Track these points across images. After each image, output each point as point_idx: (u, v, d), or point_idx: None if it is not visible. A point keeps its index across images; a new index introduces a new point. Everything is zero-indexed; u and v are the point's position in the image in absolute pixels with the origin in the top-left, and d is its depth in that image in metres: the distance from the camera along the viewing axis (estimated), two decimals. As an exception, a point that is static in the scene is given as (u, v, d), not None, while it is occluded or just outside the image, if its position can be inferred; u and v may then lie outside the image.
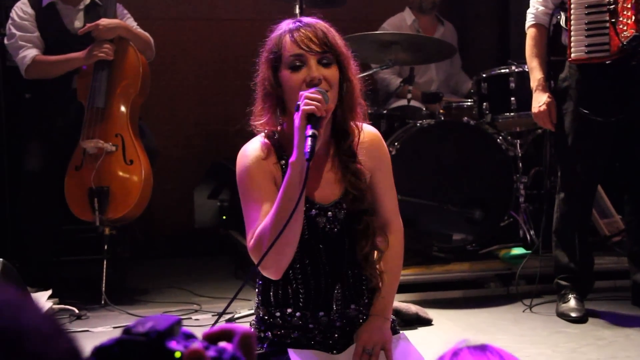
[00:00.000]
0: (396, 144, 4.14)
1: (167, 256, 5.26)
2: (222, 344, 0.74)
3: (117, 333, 0.70)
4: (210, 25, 5.78)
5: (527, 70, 3.74)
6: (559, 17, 3.47)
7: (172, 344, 0.69)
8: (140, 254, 4.69)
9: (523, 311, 3.66)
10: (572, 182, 3.55)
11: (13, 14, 4.10)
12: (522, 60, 3.93)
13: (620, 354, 3.01)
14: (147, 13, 5.24)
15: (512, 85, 4.25)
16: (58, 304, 3.80)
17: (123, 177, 3.95)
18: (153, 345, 0.68)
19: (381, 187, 2.13)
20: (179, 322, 0.72)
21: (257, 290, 2.14)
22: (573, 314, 3.49)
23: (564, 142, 3.53)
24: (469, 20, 6.11)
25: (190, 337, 0.72)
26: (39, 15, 4.10)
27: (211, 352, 0.70)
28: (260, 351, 2.06)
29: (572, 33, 3.34)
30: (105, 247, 3.96)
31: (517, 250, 4.18)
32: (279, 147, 2.05)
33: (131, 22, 4.24)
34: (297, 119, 1.90)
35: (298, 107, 1.90)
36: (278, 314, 2.08)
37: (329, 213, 2.05)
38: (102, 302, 3.83)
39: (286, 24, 2.05)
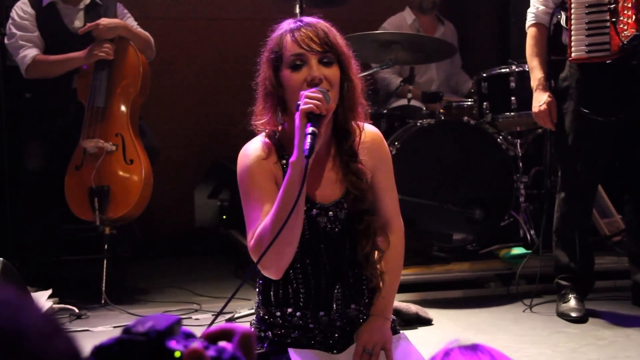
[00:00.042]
0: (396, 143, 4.14)
1: (167, 256, 5.26)
2: (222, 343, 0.74)
3: (117, 332, 0.70)
4: (210, 25, 5.77)
5: (527, 69, 3.74)
6: (559, 16, 3.47)
7: (172, 344, 0.69)
8: (141, 253, 4.69)
9: (523, 311, 3.66)
10: (572, 181, 3.55)
11: (13, 14, 4.10)
12: (522, 60, 3.92)
13: (621, 354, 3.01)
14: (147, 13, 5.24)
15: (513, 84, 4.25)
16: (58, 303, 3.80)
17: (123, 176, 3.95)
18: (153, 344, 0.68)
19: (382, 187, 2.12)
20: (178, 322, 0.71)
21: (257, 289, 2.14)
22: (573, 314, 3.48)
23: (564, 141, 3.53)
24: (469, 19, 6.10)
25: (190, 336, 0.72)
26: (39, 15, 4.10)
27: (211, 352, 0.70)
28: (260, 351, 2.06)
29: (572, 32, 3.34)
30: (106, 246, 3.96)
31: (518, 250, 4.18)
32: (280, 146, 2.05)
33: (131, 22, 4.24)
34: (297, 118, 1.90)
35: (298, 106, 1.90)
36: (278, 313, 2.07)
37: (330, 213, 2.05)
38: (102, 301, 3.82)
39: (287, 24, 2.05)
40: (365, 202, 2.06)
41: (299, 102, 1.91)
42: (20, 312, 0.65)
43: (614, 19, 3.27)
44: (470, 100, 4.63)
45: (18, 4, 4.13)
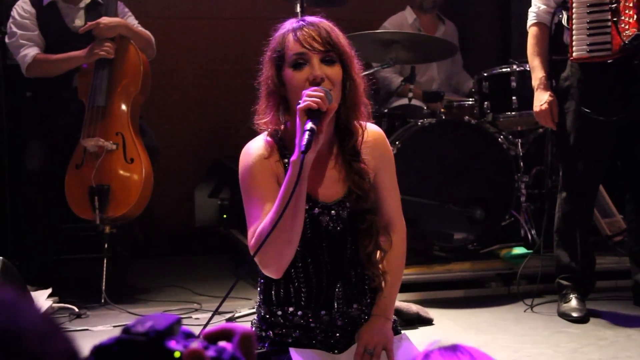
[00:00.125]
0: (397, 143, 4.14)
1: (168, 255, 5.26)
2: (222, 343, 0.74)
3: (117, 332, 0.69)
4: (210, 24, 5.77)
5: (528, 69, 3.73)
6: (560, 15, 3.47)
7: (172, 344, 0.68)
8: (141, 252, 4.68)
9: (524, 311, 3.65)
10: (573, 181, 3.54)
11: (14, 13, 4.10)
12: (523, 59, 3.92)
13: (622, 354, 3.01)
14: (147, 12, 5.23)
15: (514, 84, 4.25)
16: (58, 302, 3.80)
17: (123, 175, 3.95)
18: (152, 344, 0.68)
19: (385, 187, 2.12)
20: (178, 322, 0.71)
21: (258, 289, 2.14)
22: (574, 314, 3.48)
23: (565, 141, 3.52)
24: (470, 19, 6.10)
25: (190, 336, 0.71)
26: (40, 14, 4.10)
27: (211, 352, 0.70)
28: (261, 350, 2.06)
29: (573, 32, 3.34)
30: (106, 245, 3.96)
31: (518, 250, 4.18)
32: (282, 145, 2.05)
33: (132, 21, 4.24)
34: (298, 117, 1.90)
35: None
36: (279, 312, 2.07)
37: (332, 212, 2.05)
38: (102, 300, 3.82)
39: (290, 23, 2.05)
40: (367, 201, 2.05)
41: (299, 101, 1.91)
42: (19, 312, 0.65)
43: (615, 19, 3.26)
44: (471, 99, 4.63)
45: (19, 2, 4.12)
